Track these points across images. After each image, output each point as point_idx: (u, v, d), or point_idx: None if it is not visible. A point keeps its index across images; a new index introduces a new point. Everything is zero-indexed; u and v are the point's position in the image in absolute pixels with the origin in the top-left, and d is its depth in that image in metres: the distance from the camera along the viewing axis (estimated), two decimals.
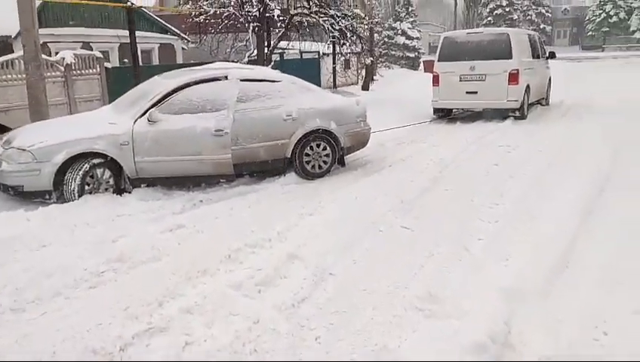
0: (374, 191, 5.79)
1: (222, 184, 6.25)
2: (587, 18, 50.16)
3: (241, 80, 6.26)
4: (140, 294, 3.53)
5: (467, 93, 10.79)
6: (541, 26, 48.26)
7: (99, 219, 5.05)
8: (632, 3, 46.37)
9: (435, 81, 11.16)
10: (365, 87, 19.63)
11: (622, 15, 47.36)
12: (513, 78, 10.37)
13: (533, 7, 50.43)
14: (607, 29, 47.93)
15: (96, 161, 5.59)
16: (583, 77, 20.51)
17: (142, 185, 5.90)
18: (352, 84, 21.95)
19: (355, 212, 5.12)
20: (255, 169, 6.39)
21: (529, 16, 48.56)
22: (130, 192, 5.80)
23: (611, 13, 47.80)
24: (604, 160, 6.84)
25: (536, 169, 6.53)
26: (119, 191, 5.81)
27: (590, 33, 49.47)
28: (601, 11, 48.44)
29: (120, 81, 11.01)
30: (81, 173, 5.51)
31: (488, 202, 5.30)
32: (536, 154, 7.47)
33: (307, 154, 6.50)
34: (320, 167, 6.59)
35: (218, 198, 5.78)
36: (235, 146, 6.03)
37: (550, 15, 51.86)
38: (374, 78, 20.95)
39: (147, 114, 5.79)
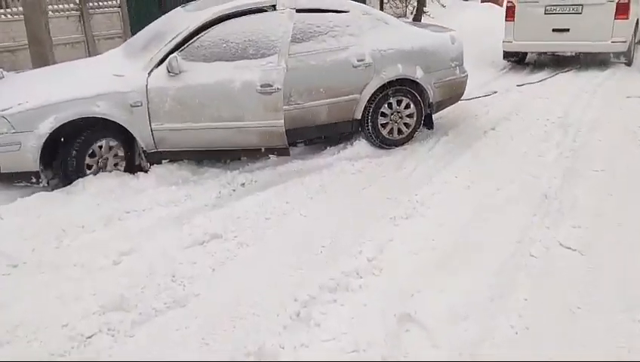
0: (490, 175, 4.01)
1: (269, 156, 4.58)
2: None
3: (297, 10, 4.43)
4: None
5: (555, 30, 8.06)
6: None
7: (99, 217, 3.51)
8: None
9: (510, 14, 8.40)
10: (417, 20, 17.27)
11: None
12: (623, 9, 7.71)
13: None
14: None
15: (98, 129, 4.00)
16: None
17: (162, 161, 4.30)
18: (401, 16, 19.52)
19: (476, 216, 3.39)
20: (313, 135, 4.70)
21: None
22: (146, 171, 4.22)
23: None
24: None
25: None
26: (132, 169, 4.24)
27: None
28: None
29: (144, 14, 9.27)
30: (77, 146, 3.94)
31: None
32: None
33: (384, 115, 4.74)
34: (400, 131, 4.84)
35: (265, 182, 4.11)
36: (289, 106, 4.32)
37: None
38: (425, 9, 18.39)
39: (166, 62, 4.10)
